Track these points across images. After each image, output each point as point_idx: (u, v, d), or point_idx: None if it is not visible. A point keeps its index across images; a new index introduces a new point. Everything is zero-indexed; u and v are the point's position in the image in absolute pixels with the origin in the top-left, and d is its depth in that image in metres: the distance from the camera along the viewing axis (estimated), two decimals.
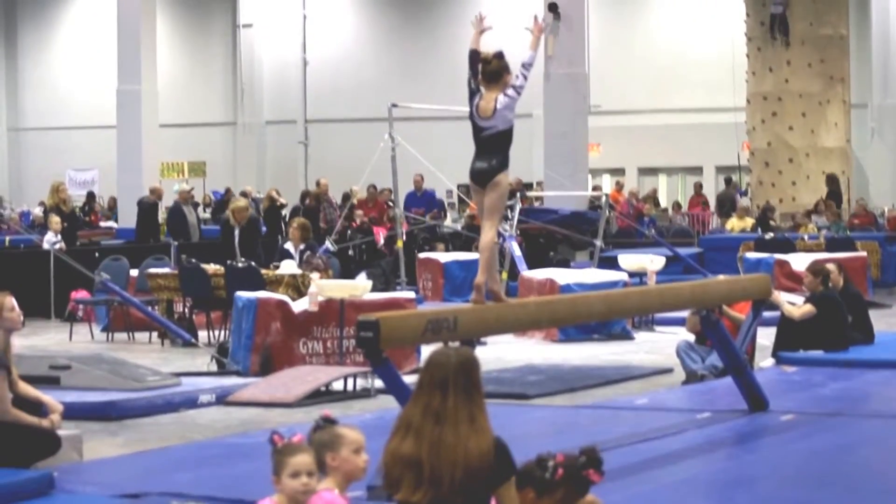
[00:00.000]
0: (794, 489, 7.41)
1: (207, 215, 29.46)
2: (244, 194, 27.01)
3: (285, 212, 26.14)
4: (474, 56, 8.11)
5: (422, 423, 5.07)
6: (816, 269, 13.19)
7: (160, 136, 29.55)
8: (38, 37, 42.54)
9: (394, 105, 19.93)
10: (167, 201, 25.02)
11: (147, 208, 23.61)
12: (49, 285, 19.03)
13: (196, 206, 25.09)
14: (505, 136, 7.95)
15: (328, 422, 5.34)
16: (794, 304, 13.09)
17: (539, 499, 5.42)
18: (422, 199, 26.05)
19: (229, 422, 10.65)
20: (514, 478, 5.20)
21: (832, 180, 26.91)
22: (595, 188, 27.01)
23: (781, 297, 12.99)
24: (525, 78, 7.96)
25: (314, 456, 5.17)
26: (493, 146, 7.92)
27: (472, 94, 8.03)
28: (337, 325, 13.15)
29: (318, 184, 26.50)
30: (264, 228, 23.82)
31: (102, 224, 30.83)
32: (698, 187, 32.78)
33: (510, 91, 7.92)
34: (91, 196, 34.24)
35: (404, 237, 20.89)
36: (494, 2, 37.71)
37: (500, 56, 8.05)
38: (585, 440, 6.08)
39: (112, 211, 32.58)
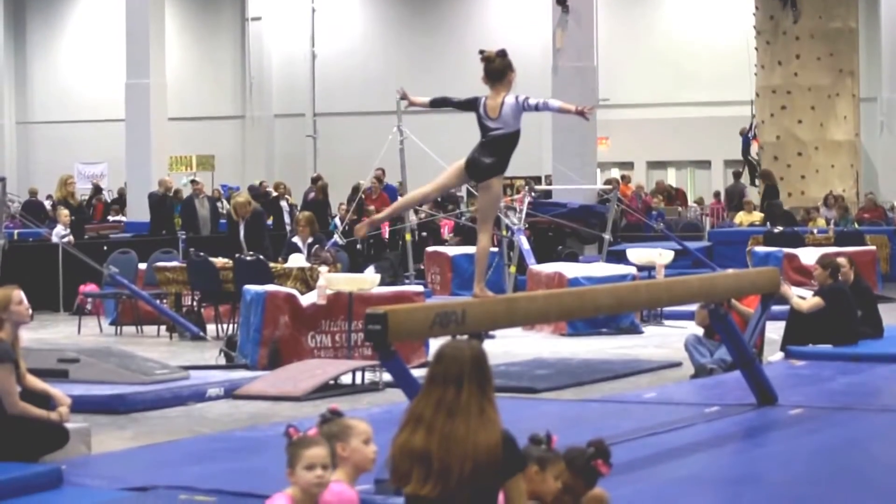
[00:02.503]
0: (802, 484, 7.39)
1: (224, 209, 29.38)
2: (251, 188, 27.00)
3: (293, 200, 26.15)
4: (444, 101, 8.15)
5: (434, 417, 5.07)
6: (826, 262, 13.15)
7: (169, 130, 29.54)
8: (46, 30, 42.56)
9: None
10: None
11: (157, 201, 23.62)
12: (58, 279, 19.06)
13: (213, 199, 25.09)
14: (511, 140, 7.84)
15: (335, 414, 5.34)
16: (804, 298, 13.07)
17: (542, 471, 5.45)
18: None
19: (237, 415, 10.66)
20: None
21: (767, 175, 26.90)
22: (608, 182, 26.89)
23: (791, 290, 12.97)
24: (538, 108, 7.90)
25: (329, 449, 5.19)
26: (496, 147, 7.84)
27: (470, 102, 7.98)
28: (345, 319, 13.15)
29: (314, 180, 26.56)
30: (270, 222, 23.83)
31: (111, 218, 30.82)
32: (660, 185, 32.56)
33: (521, 97, 7.83)
34: (97, 189, 34.23)
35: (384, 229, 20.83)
36: None
37: (502, 54, 7.96)
38: (594, 434, 6.07)
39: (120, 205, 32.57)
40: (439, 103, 8.24)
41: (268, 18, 39.93)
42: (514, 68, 7.95)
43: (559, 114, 8.29)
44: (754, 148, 29.10)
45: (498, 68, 7.91)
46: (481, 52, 8.01)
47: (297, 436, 5.19)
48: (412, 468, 5.07)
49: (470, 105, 7.95)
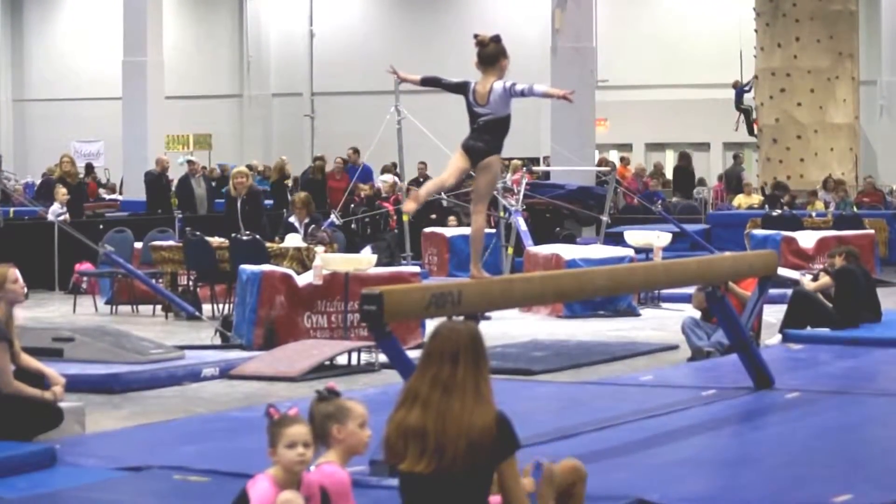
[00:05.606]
0: (798, 467, 7.37)
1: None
2: (248, 166, 26.84)
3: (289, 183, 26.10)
4: (435, 80, 8.12)
5: (430, 394, 5.07)
6: (841, 249, 13.24)
7: (166, 108, 29.45)
8: (43, 7, 42.44)
9: None
10: (172, 174, 24.98)
11: (152, 180, 23.57)
12: (53, 257, 19.00)
13: (209, 179, 25.02)
14: (502, 123, 7.82)
15: (332, 393, 5.32)
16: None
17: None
18: (359, 173, 25.92)
19: (233, 395, 10.64)
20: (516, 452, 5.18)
21: (684, 157, 26.76)
22: (603, 161, 26.79)
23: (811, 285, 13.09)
24: (523, 94, 7.87)
25: (312, 428, 5.17)
26: (488, 131, 7.82)
27: (460, 86, 7.94)
28: (341, 299, 13.12)
29: (316, 159, 26.48)
30: (271, 201, 23.79)
31: (106, 196, 30.78)
32: (659, 167, 32.45)
33: (507, 83, 7.81)
34: (90, 168, 34.15)
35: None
36: None
37: (496, 39, 7.93)
38: (590, 416, 6.06)
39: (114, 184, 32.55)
40: (430, 82, 8.22)
41: None
42: (507, 55, 7.92)
43: (545, 94, 8.28)
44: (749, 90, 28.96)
45: (491, 53, 7.89)
46: (475, 35, 7.99)
47: (277, 416, 5.19)
48: (407, 446, 5.06)
49: (460, 88, 7.94)
